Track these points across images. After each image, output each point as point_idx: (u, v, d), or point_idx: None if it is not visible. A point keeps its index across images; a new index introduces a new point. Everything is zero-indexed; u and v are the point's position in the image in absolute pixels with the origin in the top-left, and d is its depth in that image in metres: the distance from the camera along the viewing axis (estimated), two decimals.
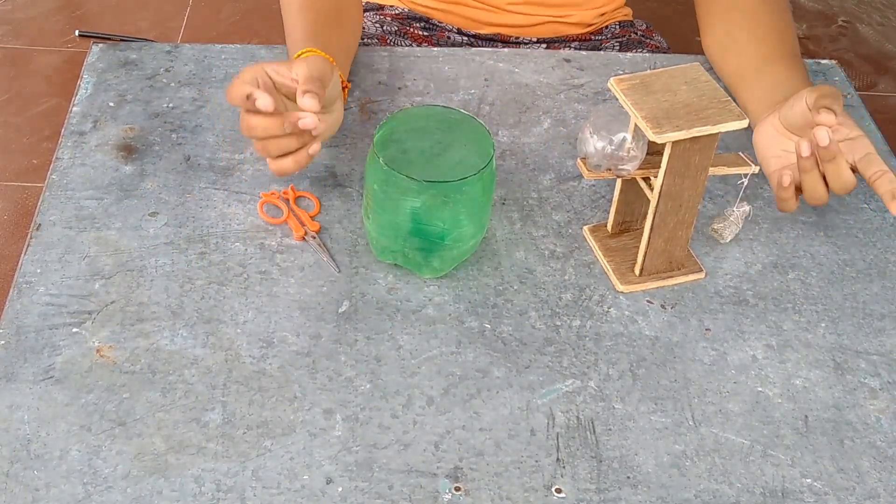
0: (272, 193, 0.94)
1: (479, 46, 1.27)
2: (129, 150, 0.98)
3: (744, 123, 0.80)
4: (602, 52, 1.15)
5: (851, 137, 0.87)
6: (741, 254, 0.92)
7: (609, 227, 0.92)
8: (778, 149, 0.92)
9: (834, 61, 1.16)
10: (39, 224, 0.90)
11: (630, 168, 0.83)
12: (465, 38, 1.25)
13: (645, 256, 0.87)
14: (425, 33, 1.24)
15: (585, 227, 0.93)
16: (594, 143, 0.83)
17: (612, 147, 0.82)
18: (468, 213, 0.84)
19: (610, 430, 0.78)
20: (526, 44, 1.25)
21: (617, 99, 0.82)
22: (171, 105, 1.03)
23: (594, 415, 0.79)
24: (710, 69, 1.09)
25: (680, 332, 0.85)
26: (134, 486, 0.72)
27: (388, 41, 1.22)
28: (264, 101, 0.82)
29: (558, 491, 0.74)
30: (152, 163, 0.97)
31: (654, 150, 0.83)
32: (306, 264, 0.89)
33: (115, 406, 0.77)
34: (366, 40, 1.21)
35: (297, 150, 0.87)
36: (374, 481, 0.74)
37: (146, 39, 2.24)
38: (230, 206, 0.93)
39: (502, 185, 0.97)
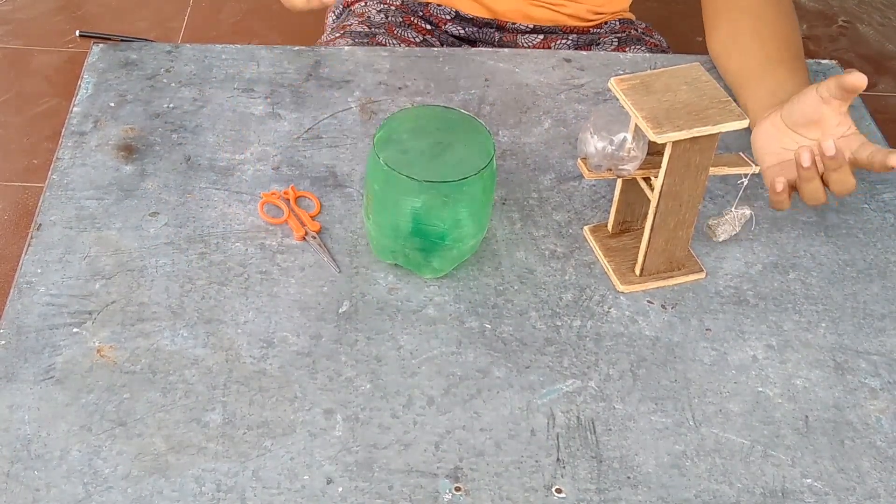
0: (272, 193, 0.94)
1: (478, 38, 1.27)
2: (129, 150, 0.98)
3: (744, 123, 0.80)
4: (602, 53, 1.15)
5: (848, 135, 0.88)
6: (741, 254, 0.92)
7: (609, 227, 0.92)
8: (776, 146, 0.92)
9: (834, 61, 1.16)
10: (40, 224, 0.90)
11: (630, 168, 0.83)
12: (463, 29, 1.26)
13: (645, 256, 0.87)
14: (428, 26, 1.25)
15: (586, 227, 0.93)
16: (594, 144, 0.83)
17: (613, 147, 0.82)
18: (468, 213, 0.84)
19: (610, 430, 0.78)
20: (523, 31, 1.25)
21: (617, 99, 0.82)
22: (171, 105, 1.03)
23: (594, 415, 0.79)
24: (711, 69, 1.09)
25: (680, 333, 0.85)
26: (134, 486, 0.72)
27: (396, 32, 1.22)
28: None
29: (558, 491, 0.74)
30: (153, 163, 0.97)
31: (654, 150, 0.83)
32: (307, 264, 0.89)
33: (116, 406, 0.77)
34: (372, 29, 1.22)
35: None
36: (375, 481, 0.74)
37: (146, 39, 2.24)
38: (230, 206, 0.93)
39: (502, 185, 0.97)
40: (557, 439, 0.77)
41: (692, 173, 0.82)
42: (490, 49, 1.15)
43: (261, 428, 0.76)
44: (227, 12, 2.44)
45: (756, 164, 0.86)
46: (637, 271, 0.88)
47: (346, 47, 1.13)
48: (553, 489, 0.74)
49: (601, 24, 1.29)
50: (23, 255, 0.88)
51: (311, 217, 0.92)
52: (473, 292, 0.87)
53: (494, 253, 0.91)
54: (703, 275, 0.90)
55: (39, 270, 0.86)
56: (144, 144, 0.99)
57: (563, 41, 1.26)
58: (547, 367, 0.82)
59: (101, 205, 0.92)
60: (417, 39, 1.24)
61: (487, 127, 0.85)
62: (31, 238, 0.89)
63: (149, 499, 0.72)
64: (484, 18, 1.26)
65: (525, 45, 1.26)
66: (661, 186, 0.82)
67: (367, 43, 1.20)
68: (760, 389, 0.81)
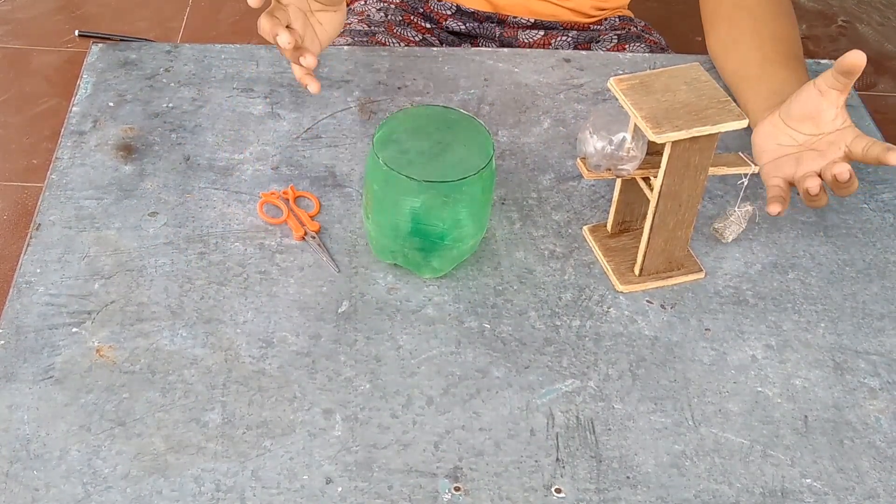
0: (272, 193, 0.94)
1: (478, 34, 1.27)
2: (128, 150, 0.98)
3: (743, 123, 0.80)
4: (602, 52, 1.15)
5: (843, 128, 0.88)
6: (741, 254, 0.92)
7: (609, 227, 0.92)
8: (772, 143, 0.92)
9: (834, 61, 1.16)
10: (39, 224, 0.90)
11: (630, 168, 0.83)
12: (464, 25, 1.26)
13: (645, 256, 0.87)
14: (428, 24, 1.25)
15: (585, 227, 0.93)
16: (594, 143, 0.83)
17: (612, 147, 0.82)
18: (468, 213, 0.84)
19: (610, 430, 0.78)
20: (524, 26, 1.26)
21: (617, 99, 0.82)
22: (170, 105, 1.03)
23: (594, 415, 0.79)
24: (711, 69, 1.09)
25: (680, 332, 0.85)
26: (134, 486, 0.72)
27: (395, 31, 1.22)
28: (283, 39, 0.85)
29: (558, 491, 0.74)
30: (152, 163, 0.97)
31: (653, 150, 0.83)
32: (306, 264, 0.89)
33: (115, 406, 0.77)
34: (372, 28, 1.22)
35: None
36: (374, 481, 0.74)
37: (146, 39, 2.24)
38: (230, 206, 0.93)
39: (502, 185, 0.97)
40: (557, 439, 0.77)
41: (691, 173, 0.82)
42: (490, 49, 1.15)
43: (260, 428, 0.76)
44: (227, 12, 2.44)
45: (755, 164, 0.86)
46: (636, 271, 0.88)
47: (346, 47, 1.13)
48: (552, 489, 0.74)
49: (601, 20, 1.29)
50: (22, 254, 0.88)
51: (311, 217, 0.92)
52: (473, 292, 0.87)
53: (494, 253, 0.91)
54: (702, 275, 0.90)
55: (39, 270, 0.86)
56: (144, 144, 0.99)
57: (564, 38, 1.26)
58: (546, 366, 0.82)
59: (100, 205, 0.92)
60: (417, 38, 1.24)
61: (487, 127, 0.85)
62: (31, 238, 0.89)
63: (148, 499, 0.72)
64: (485, 12, 1.26)
65: (525, 40, 1.27)
66: (661, 186, 0.82)
67: (367, 42, 1.20)
68: (760, 389, 0.81)
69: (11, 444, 0.74)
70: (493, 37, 1.28)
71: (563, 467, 0.75)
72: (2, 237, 1.90)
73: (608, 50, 1.24)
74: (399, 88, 1.07)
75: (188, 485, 0.73)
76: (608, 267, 0.89)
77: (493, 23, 1.27)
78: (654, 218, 0.85)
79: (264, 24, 0.86)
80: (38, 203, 0.92)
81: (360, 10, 1.28)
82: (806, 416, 0.80)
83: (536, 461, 0.76)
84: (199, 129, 1.01)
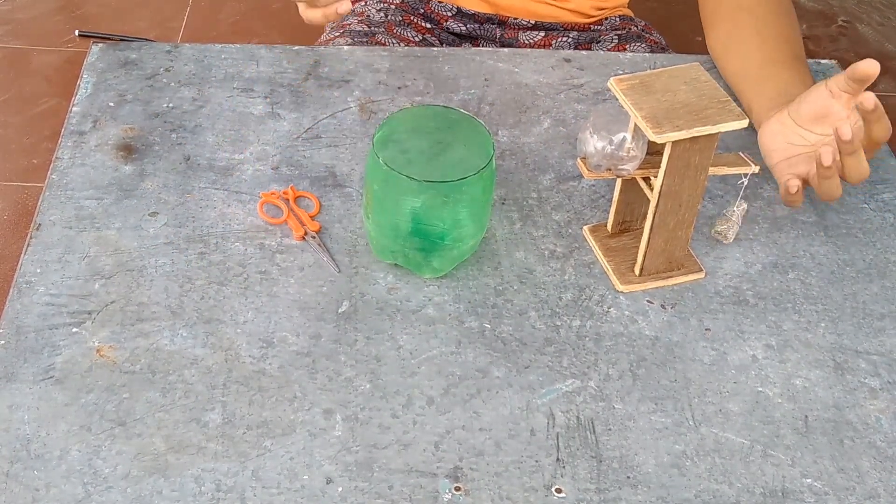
0: (272, 193, 0.94)
1: (479, 35, 1.28)
2: (128, 150, 0.98)
3: (743, 123, 0.80)
4: (602, 52, 1.15)
5: (855, 128, 0.88)
6: (741, 254, 0.92)
7: (609, 227, 0.92)
8: (782, 142, 0.92)
9: (834, 61, 1.16)
10: (39, 224, 0.90)
11: (630, 168, 0.83)
12: (464, 26, 1.26)
13: (645, 256, 0.87)
14: (428, 24, 1.25)
15: (585, 227, 0.93)
16: (594, 143, 0.83)
17: (612, 147, 0.82)
18: (468, 213, 0.84)
19: (610, 430, 0.78)
20: (524, 27, 1.26)
21: (617, 99, 0.82)
22: (170, 105, 1.03)
23: (594, 415, 0.79)
24: (711, 69, 1.09)
25: (680, 332, 0.85)
26: (134, 486, 0.72)
27: (395, 32, 1.22)
28: (345, 7, 0.88)
29: (558, 491, 0.74)
30: (152, 163, 0.97)
31: (653, 150, 0.83)
32: (306, 264, 0.89)
33: (115, 406, 0.77)
34: (372, 28, 1.22)
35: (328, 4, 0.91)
36: (374, 481, 0.74)
37: (146, 39, 2.24)
38: (230, 206, 0.93)
39: (502, 184, 0.97)
40: (557, 439, 0.77)
41: (692, 173, 0.82)
42: (490, 49, 1.15)
43: (260, 428, 0.76)
44: (227, 12, 2.44)
45: (755, 164, 0.86)
46: (636, 271, 0.88)
47: (346, 47, 1.13)
48: (553, 489, 0.74)
49: (602, 20, 1.29)
50: (22, 254, 0.88)
51: (311, 217, 0.92)
52: (473, 292, 0.87)
53: (494, 253, 0.91)
54: (702, 275, 0.90)
55: (39, 270, 0.86)
56: (144, 144, 0.99)
57: (565, 39, 1.26)
58: (546, 366, 0.82)
59: (100, 205, 0.92)
60: (417, 39, 1.24)
61: (487, 127, 0.85)
62: (31, 238, 0.89)
63: (148, 499, 0.72)
64: (486, 14, 1.26)
65: (526, 41, 1.27)
66: (661, 186, 0.82)
67: (367, 42, 1.20)
68: (760, 389, 0.81)
69: (12, 444, 0.74)
70: (493, 38, 1.28)
71: (564, 467, 0.75)
72: (2, 237, 1.91)
73: (608, 50, 1.24)
74: (399, 88, 1.07)
75: (188, 485, 0.73)
76: (608, 267, 0.89)
77: (493, 24, 1.27)
78: (654, 218, 0.85)
79: (312, 14, 0.87)
80: (39, 203, 0.92)
81: (361, 11, 1.28)
82: (806, 416, 0.80)
83: (537, 461, 0.76)
84: (200, 129, 1.01)
